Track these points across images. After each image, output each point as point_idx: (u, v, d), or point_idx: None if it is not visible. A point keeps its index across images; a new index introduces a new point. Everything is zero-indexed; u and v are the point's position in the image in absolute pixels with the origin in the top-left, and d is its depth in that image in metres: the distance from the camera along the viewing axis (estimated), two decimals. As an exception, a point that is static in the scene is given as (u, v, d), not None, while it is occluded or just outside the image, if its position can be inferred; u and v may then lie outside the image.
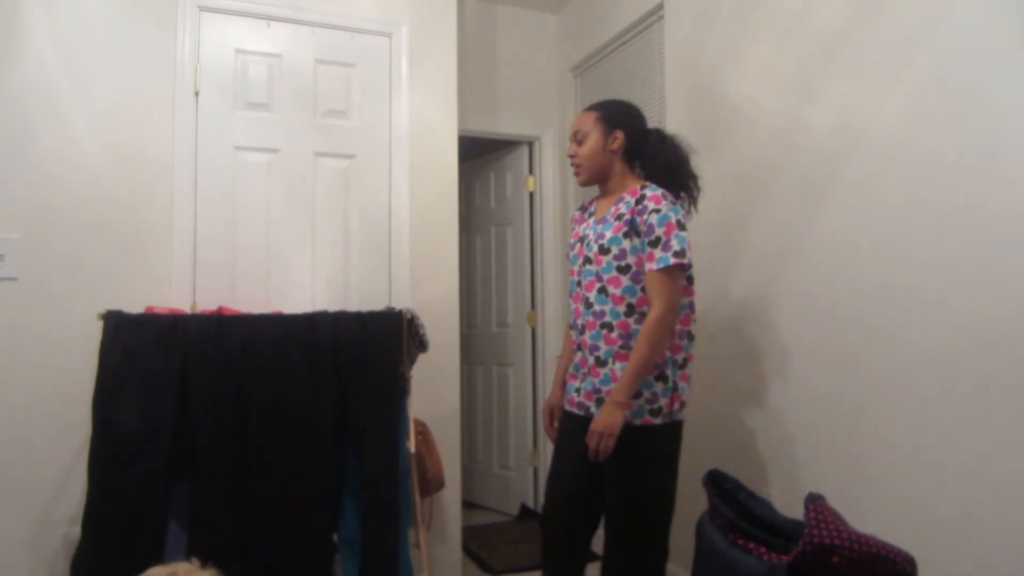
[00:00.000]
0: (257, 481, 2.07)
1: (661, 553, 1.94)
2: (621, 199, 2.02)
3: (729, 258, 2.52)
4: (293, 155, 2.68)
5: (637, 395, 1.90)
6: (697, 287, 2.68)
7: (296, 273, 2.66)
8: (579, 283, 2.06)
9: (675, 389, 1.92)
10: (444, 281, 2.87)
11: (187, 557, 1.98)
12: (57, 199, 2.35)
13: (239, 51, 2.63)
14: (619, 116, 2.08)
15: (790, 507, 2.10)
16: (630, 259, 1.95)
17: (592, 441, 1.83)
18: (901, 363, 1.88)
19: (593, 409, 1.98)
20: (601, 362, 1.97)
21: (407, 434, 2.27)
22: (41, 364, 2.30)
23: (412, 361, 2.38)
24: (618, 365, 1.93)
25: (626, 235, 1.95)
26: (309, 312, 2.23)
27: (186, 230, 2.51)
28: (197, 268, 2.52)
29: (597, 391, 1.97)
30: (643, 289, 1.94)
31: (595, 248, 2.01)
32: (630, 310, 1.94)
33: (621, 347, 1.94)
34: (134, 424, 1.98)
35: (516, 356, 3.87)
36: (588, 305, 2.01)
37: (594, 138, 2.06)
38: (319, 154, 2.72)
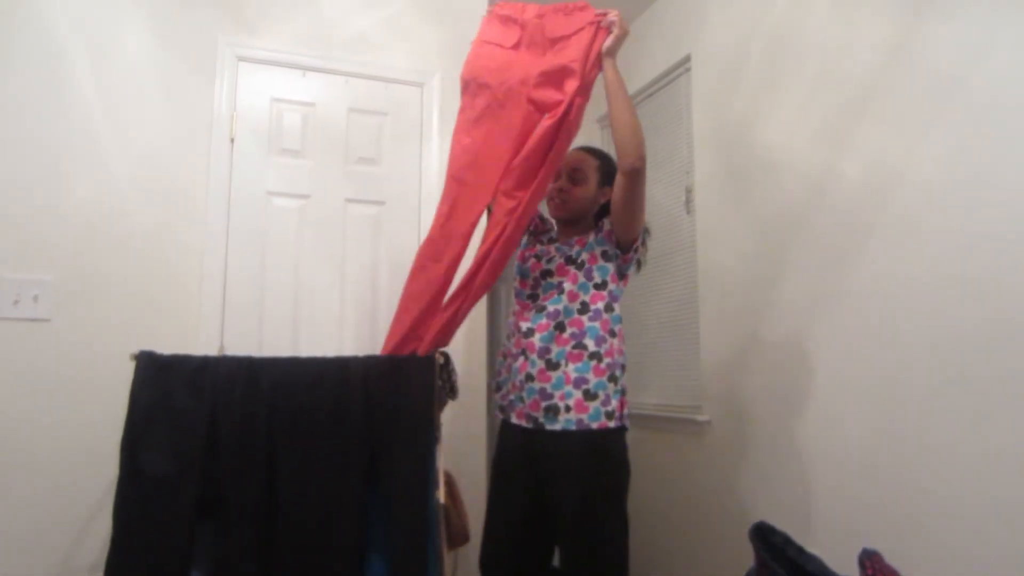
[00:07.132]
0: (283, 529, 2.02)
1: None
2: (588, 235, 2.08)
3: (762, 308, 2.49)
4: (324, 201, 2.70)
5: (593, 397, 1.89)
6: (729, 337, 2.64)
7: (325, 318, 2.65)
8: (531, 295, 2.08)
9: (623, 393, 1.94)
10: (472, 328, 2.85)
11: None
12: (91, 242, 2.37)
13: (275, 99, 2.68)
14: (613, 175, 2.07)
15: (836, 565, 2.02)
16: (595, 272, 2.01)
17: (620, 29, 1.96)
18: (949, 413, 1.82)
19: (542, 419, 1.93)
20: (553, 364, 1.94)
21: (436, 484, 2.22)
22: (71, 405, 2.28)
23: (441, 408, 2.33)
24: (571, 366, 1.91)
25: (600, 255, 2.03)
26: (341, 356, 2.21)
27: (216, 274, 2.51)
28: (226, 311, 2.51)
29: (548, 396, 1.93)
30: (596, 286, 1.98)
31: (559, 260, 2.05)
32: (584, 307, 1.96)
33: (574, 347, 1.93)
34: (162, 467, 1.94)
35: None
36: (540, 309, 2.01)
37: (591, 185, 2.10)
38: (349, 200, 2.74)
